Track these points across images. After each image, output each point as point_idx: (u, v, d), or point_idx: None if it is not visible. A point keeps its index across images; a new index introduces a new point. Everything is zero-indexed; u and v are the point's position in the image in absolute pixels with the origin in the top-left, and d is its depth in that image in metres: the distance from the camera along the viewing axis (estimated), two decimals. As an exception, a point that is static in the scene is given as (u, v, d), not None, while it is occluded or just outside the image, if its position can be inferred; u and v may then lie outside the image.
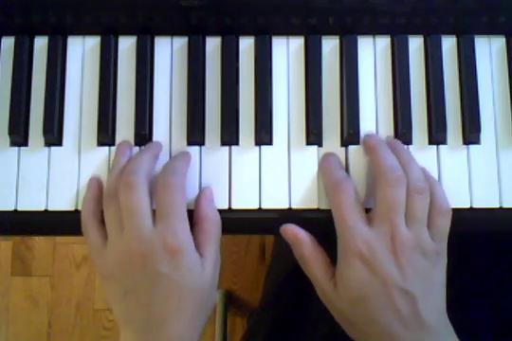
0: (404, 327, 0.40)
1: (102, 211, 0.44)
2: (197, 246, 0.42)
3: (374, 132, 0.47)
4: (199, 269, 0.42)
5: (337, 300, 0.42)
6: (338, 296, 0.42)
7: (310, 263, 0.44)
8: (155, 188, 0.43)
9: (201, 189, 0.45)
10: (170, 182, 0.42)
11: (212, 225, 0.44)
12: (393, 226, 0.41)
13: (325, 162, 0.46)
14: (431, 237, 0.42)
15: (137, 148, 0.46)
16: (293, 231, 0.44)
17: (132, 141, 0.47)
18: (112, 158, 0.46)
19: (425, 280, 0.41)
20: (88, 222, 0.44)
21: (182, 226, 0.42)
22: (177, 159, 0.45)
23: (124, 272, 0.41)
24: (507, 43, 0.48)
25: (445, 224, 0.43)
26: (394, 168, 0.42)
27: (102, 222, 0.44)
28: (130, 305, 0.41)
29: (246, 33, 0.48)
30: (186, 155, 0.45)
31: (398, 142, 0.46)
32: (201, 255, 0.42)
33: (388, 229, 0.41)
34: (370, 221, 0.42)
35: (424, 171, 0.45)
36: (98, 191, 0.45)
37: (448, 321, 0.42)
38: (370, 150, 0.45)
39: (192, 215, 0.44)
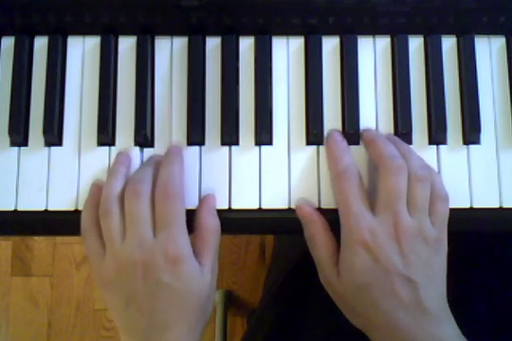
0: (405, 314, 0.40)
1: None
2: (195, 253, 0.42)
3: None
4: (199, 276, 0.42)
5: (339, 287, 0.43)
6: (341, 282, 0.42)
7: (318, 246, 0.44)
8: (154, 196, 0.42)
9: (204, 196, 0.45)
10: (170, 191, 0.42)
11: (211, 234, 0.44)
12: (396, 214, 0.41)
13: (333, 145, 0.45)
14: (432, 224, 0.42)
15: (137, 148, 0.46)
16: (308, 210, 0.44)
17: (132, 141, 0.46)
18: (112, 158, 0.46)
19: (427, 268, 0.41)
20: (89, 231, 0.44)
21: (182, 236, 0.42)
22: (173, 163, 0.44)
23: (125, 281, 0.41)
24: (507, 43, 0.48)
25: (444, 211, 0.43)
26: (395, 156, 0.43)
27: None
28: (131, 313, 0.41)
29: (246, 33, 0.48)
30: (180, 157, 0.45)
31: (395, 136, 0.46)
32: (199, 262, 0.42)
33: (391, 217, 0.41)
34: (373, 209, 0.42)
35: (423, 162, 0.45)
36: (98, 200, 0.44)
37: (448, 309, 0.42)
38: (369, 142, 0.45)
39: (190, 215, 0.44)
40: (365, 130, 0.46)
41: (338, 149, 0.45)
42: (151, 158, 0.46)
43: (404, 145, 0.45)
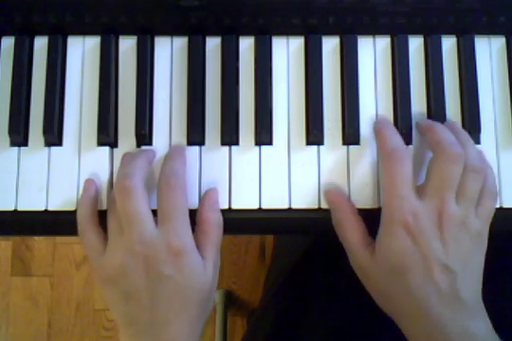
0: (440, 302, 0.40)
1: (99, 215, 0.44)
2: (198, 247, 0.42)
3: (373, 134, 0.47)
4: (201, 270, 0.42)
5: (372, 270, 0.42)
6: (375, 265, 0.42)
7: (348, 229, 0.43)
8: (157, 189, 0.43)
9: (206, 190, 0.45)
10: (173, 184, 0.42)
11: (214, 228, 0.44)
12: (444, 202, 0.41)
13: (382, 126, 0.45)
14: (476, 216, 0.42)
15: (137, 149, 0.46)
16: (337, 194, 0.45)
17: (132, 141, 0.47)
18: (111, 158, 0.46)
19: (466, 259, 0.41)
20: (85, 226, 0.44)
21: (185, 228, 0.42)
22: (176, 159, 0.44)
23: (126, 275, 0.41)
24: (507, 43, 0.49)
25: (491, 207, 0.43)
26: (454, 143, 0.42)
27: (100, 225, 0.44)
28: (131, 308, 0.41)
29: (246, 33, 0.48)
30: (182, 154, 0.45)
31: (456, 123, 0.46)
32: (202, 256, 0.42)
33: (437, 204, 0.41)
34: (420, 193, 0.42)
35: (480, 154, 0.45)
36: (93, 195, 0.44)
37: (482, 305, 0.42)
38: (428, 128, 0.45)
39: (192, 214, 0.44)
40: (420, 120, 0.46)
41: (389, 129, 0.44)
42: (137, 152, 0.45)
43: (463, 134, 0.45)
